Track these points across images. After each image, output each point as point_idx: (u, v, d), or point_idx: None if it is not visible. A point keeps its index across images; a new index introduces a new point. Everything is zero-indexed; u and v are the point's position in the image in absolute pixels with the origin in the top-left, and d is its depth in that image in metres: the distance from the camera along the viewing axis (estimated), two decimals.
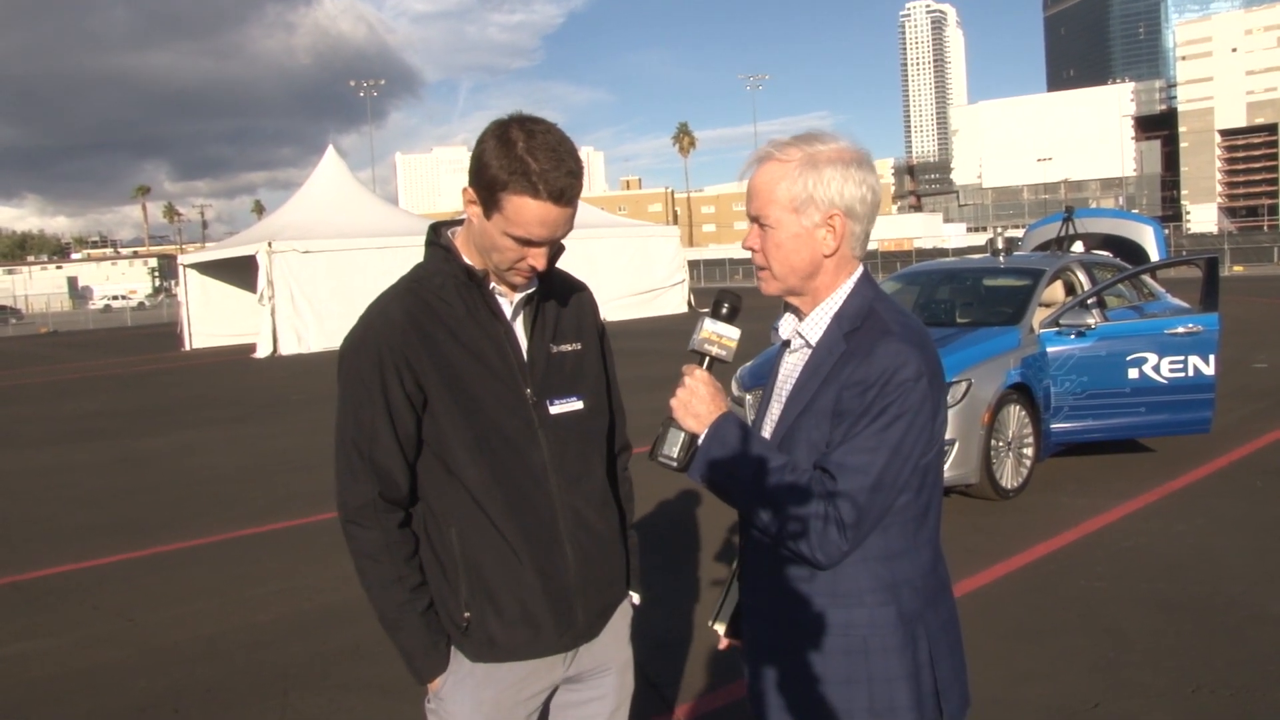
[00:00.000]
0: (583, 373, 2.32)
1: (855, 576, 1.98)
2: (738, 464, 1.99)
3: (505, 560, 2.18)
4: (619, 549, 2.38)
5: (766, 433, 2.12)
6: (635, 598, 2.48)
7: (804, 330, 2.08)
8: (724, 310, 2.09)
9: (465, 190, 2.13)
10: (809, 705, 2.03)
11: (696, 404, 2.04)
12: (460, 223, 2.28)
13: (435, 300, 2.18)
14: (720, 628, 2.32)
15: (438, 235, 2.27)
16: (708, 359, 2.09)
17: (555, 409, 2.24)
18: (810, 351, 2.07)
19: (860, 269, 2.10)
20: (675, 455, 2.06)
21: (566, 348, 2.30)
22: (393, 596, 2.19)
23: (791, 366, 2.12)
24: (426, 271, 2.23)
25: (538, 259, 2.12)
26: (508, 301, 2.23)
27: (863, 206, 2.03)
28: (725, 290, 2.11)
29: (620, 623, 2.41)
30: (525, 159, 2.01)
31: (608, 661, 2.38)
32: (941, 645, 2.05)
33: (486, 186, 2.05)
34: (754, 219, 2.07)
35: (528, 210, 2.03)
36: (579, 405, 2.28)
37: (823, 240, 2.02)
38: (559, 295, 2.34)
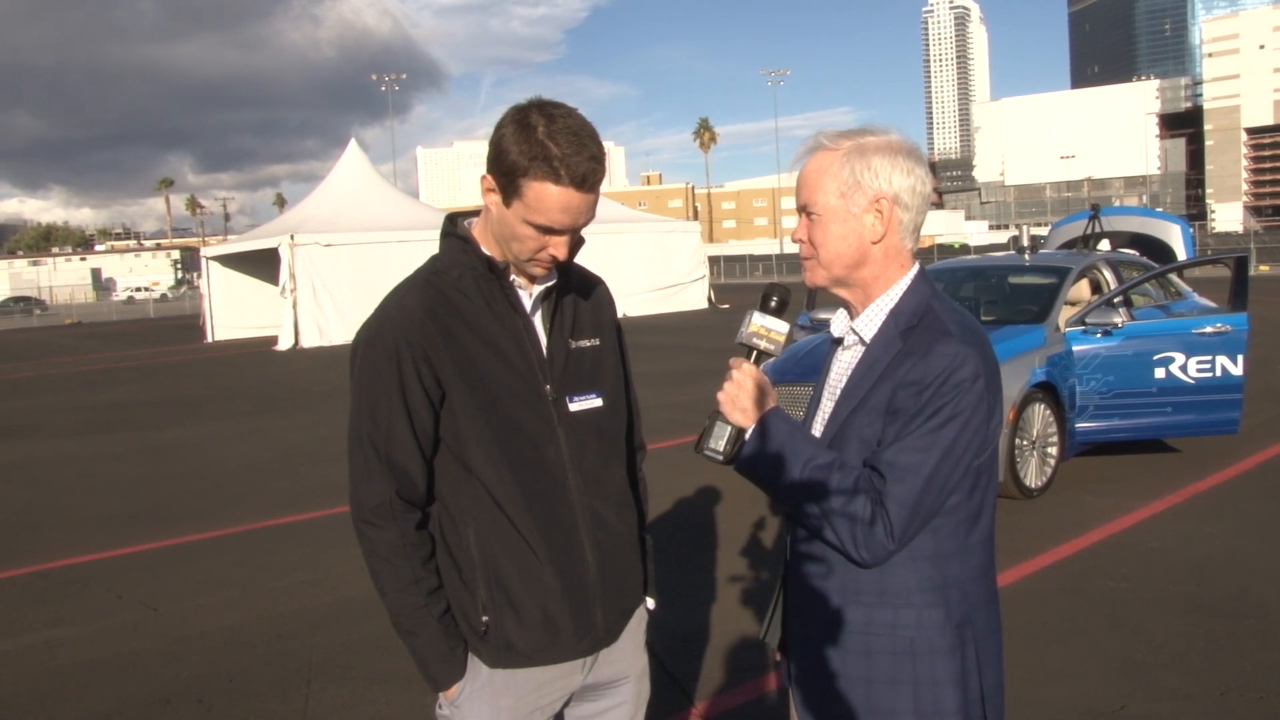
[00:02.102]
0: (601, 369, 2.26)
1: (904, 577, 1.96)
2: (785, 460, 1.97)
3: (524, 561, 2.11)
4: (637, 551, 2.33)
5: (817, 429, 2.10)
6: (651, 603, 2.41)
7: (858, 327, 2.06)
8: (772, 304, 2.06)
9: (484, 178, 2.07)
10: (853, 705, 2.01)
11: (744, 398, 2.02)
12: (477, 213, 2.22)
13: (453, 292, 2.11)
14: (774, 640, 2.24)
15: (454, 226, 2.21)
16: (755, 353, 2.06)
17: (575, 406, 2.18)
18: (864, 349, 2.04)
19: (916, 266, 2.07)
20: (721, 449, 2.03)
21: (585, 343, 2.24)
22: (409, 600, 2.11)
23: (845, 364, 2.09)
24: (444, 263, 2.16)
25: (559, 248, 2.07)
26: (526, 295, 2.17)
27: (911, 196, 2.01)
28: (774, 284, 2.08)
29: (637, 629, 2.35)
30: (546, 144, 1.95)
31: (626, 670, 2.32)
32: (989, 651, 2.03)
33: (506, 173, 2.00)
34: (802, 208, 2.05)
35: (549, 196, 1.98)
36: (598, 402, 2.22)
37: (870, 227, 2.00)
38: (577, 289, 2.28)
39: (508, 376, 2.11)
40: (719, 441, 2.04)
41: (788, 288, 2.10)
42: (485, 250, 2.14)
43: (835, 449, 1.99)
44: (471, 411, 2.08)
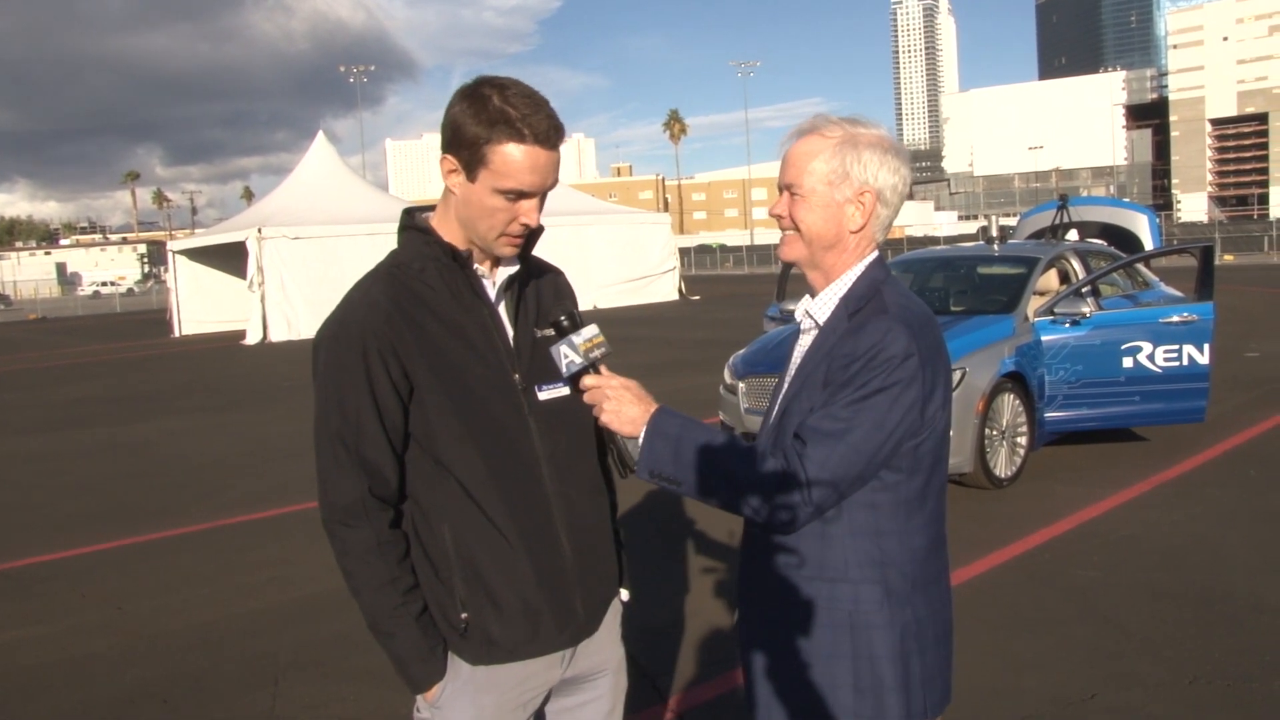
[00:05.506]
0: None
1: (841, 550, 2.01)
2: (682, 448, 2.01)
3: (502, 554, 2.09)
4: (611, 540, 2.32)
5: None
6: (625, 594, 2.40)
7: (813, 310, 2.12)
8: (567, 324, 2.08)
9: (444, 159, 2.03)
10: (796, 679, 2.05)
11: (627, 409, 2.05)
12: (432, 208, 2.19)
13: (418, 284, 2.08)
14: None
15: (412, 219, 2.18)
16: (599, 365, 2.08)
17: (543, 395, 2.16)
18: (818, 331, 2.10)
19: (874, 254, 2.12)
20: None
21: (550, 332, 2.20)
22: (386, 601, 2.06)
23: (803, 347, 2.14)
24: (405, 256, 2.13)
25: (530, 214, 2.05)
26: (490, 284, 2.15)
27: (893, 194, 2.07)
28: (555, 311, 2.12)
29: (613, 621, 2.34)
30: (504, 109, 1.96)
31: (604, 663, 2.31)
32: (927, 634, 2.06)
33: (469, 146, 1.98)
34: (786, 187, 2.10)
35: (515, 158, 1.97)
36: (565, 391, 2.20)
37: (850, 216, 2.05)
38: (537, 279, 2.27)
39: (477, 367, 2.09)
40: (635, 456, 2.06)
41: (567, 303, 2.14)
42: (447, 240, 2.12)
43: (780, 425, 2.05)
44: (442, 404, 2.05)
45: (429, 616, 2.11)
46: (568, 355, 2.05)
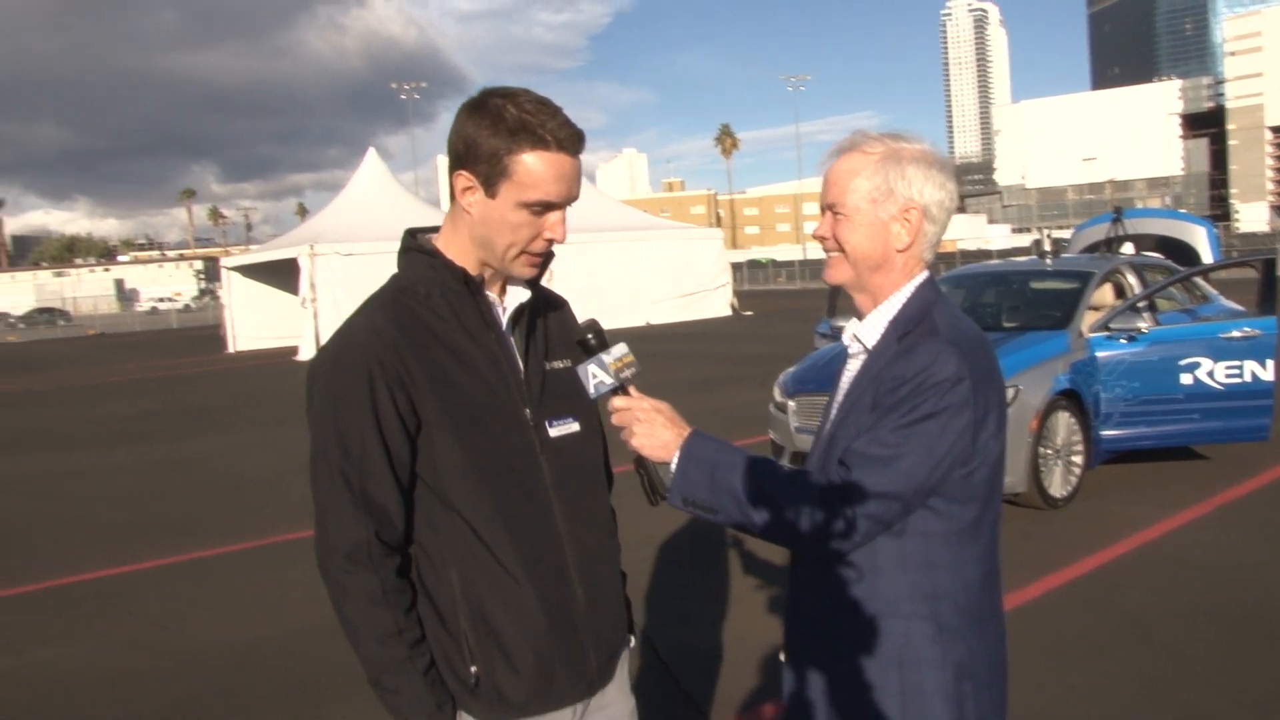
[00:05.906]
0: (576, 392, 2.06)
1: (893, 583, 1.92)
2: (721, 475, 1.91)
3: (513, 600, 1.94)
4: (620, 584, 2.19)
5: None
6: (632, 641, 2.27)
7: (861, 334, 2.04)
8: (595, 342, 1.97)
9: (458, 176, 1.92)
10: (839, 712, 1.97)
11: (660, 432, 1.96)
12: (434, 230, 2.09)
13: (423, 310, 1.95)
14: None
15: (415, 240, 2.05)
16: (629, 386, 1.98)
17: (554, 431, 2.04)
18: (867, 356, 2.02)
19: (924, 274, 2.03)
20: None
21: (559, 365, 2.10)
22: (391, 654, 1.90)
23: (851, 372, 2.07)
24: (409, 280, 2.00)
25: (556, 229, 1.94)
26: (501, 312, 2.04)
27: (939, 209, 1.99)
28: (582, 328, 1.99)
29: (622, 671, 2.21)
30: (522, 117, 1.86)
31: (616, 716, 2.17)
32: (982, 672, 1.96)
33: (488, 159, 1.87)
34: (828, 207, 2.02)
35: (540, 168, 1.87)
36: (576, 427, 2.08)
37: (896, 235, 1.98)
38: (546, 310, 2.16)
39: (487, 400, 1.96)
40: (665, 484, 1.96)
41: (593, 321, 2.01)
42: (456, 264, 2.00)
43: (827, 453, 1.97)
44: (450, 439, 1.92)
45: (437, 672, 1.97)
46: (597, 375, 1.94)
